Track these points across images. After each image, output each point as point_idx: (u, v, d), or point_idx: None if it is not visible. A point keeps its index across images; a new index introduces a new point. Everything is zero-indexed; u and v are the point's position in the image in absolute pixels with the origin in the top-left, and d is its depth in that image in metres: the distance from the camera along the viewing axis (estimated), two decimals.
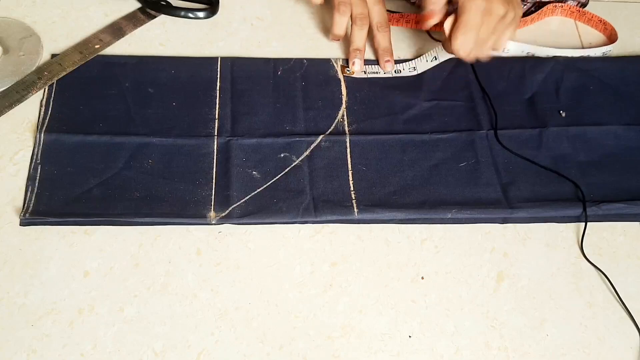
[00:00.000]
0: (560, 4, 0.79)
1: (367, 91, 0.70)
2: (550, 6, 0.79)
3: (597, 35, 0.79)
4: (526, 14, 0.79)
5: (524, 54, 0.74)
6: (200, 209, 0.60)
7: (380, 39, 0.71)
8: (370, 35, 0.72)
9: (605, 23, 0.78)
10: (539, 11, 0.78)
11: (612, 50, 0.76)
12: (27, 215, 0.58)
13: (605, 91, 0.72)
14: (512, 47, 0.73)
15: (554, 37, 0.77)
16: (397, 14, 0.77)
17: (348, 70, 0.71)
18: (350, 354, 0.54)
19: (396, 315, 0.56)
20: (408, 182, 0.63)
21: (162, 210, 0.59)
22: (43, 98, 0.66)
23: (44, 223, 0.58)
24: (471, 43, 0.64)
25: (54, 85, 0.67)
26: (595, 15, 0.79)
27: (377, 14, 0.70)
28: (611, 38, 0.78)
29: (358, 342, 0.55)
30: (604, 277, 0.59)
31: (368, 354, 0.54)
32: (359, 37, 0.71)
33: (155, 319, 0.54)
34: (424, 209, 0.61)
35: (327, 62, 0.72)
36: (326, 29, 0.75)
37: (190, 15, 0.75)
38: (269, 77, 0.70)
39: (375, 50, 0.72)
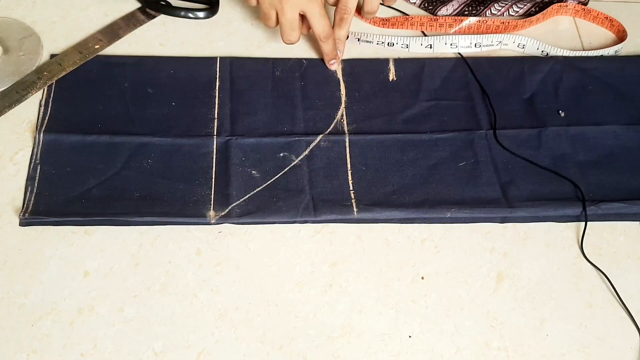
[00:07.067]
0: (564, 4, 0.79)
1: (366, 91, 0.70)
2: (555, 6, 0.79)
3: (599, 35, 0.79)
4: (528, 14, 0.79)
5: (539, 52, 0.75)
6: (199, 208, 0.60)
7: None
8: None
9: (611, 20, 0.79)
10: (544, 11, 0.78)
11: (622, 47, 0.76)
12: (26, 215, 0.58)
13: (604, 91, 0.72)
14: (529, 44, 0.74)
15: (553, 37, 0.78)
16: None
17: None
18: (350, 354, 0.54)
19: (396, 315, 0.56)
20: (407, 182, 0.63)
21: (162, 210, 0.59)
22: (42, 98, 0.66)
23: (44, 223, 0.58)
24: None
25: (54, 85, 0.67)
26: (601, 13, 0.79)
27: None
28: (619, 35, 0.78)
29: (358, 342, 0.55)
30: (604, 277, 0.59)
31: (368, 354, 0.54)
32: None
33: (155, 319, 0.54)
34: (423, 209, 0.61)
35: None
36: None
37: (190, 15, 0.75)
38: (268, 77, 0.70)
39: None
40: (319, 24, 0.68)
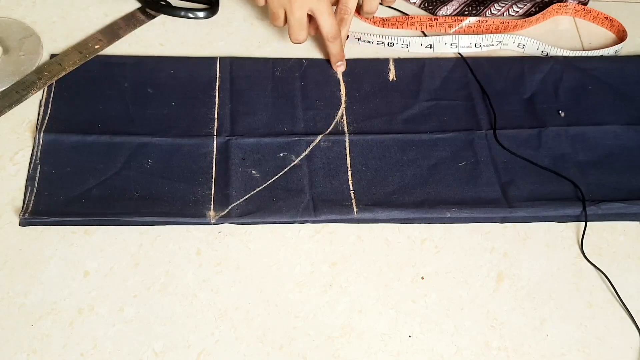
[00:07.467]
0: (564, 4, 0.79)
1: (366, 91, 0.70)
2: (555, 6, 0.79)
3: (599, 35, 0.79)
4: (528, 14, 0.79)
5: (539, 52, 0.75)
6: (199, 208, 0.60)
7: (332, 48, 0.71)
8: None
9: (611, 20, 0.79)
10: (544, 11, 0.78)
11: (622, 47, 0.76)
12: (26, 215, 0.58)
13: (604, 91, 0.72)
14: (529, 44, 0.74)
15: (553, 37, 0.78)
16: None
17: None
18: (350, 354, 0.54)
19: (396, 315, 0.56)
20: (407, 182, 0.63)
21: (162, 210, 0.59)
22: (42, 98, 0.66)
23: (44, 223, 0.58)
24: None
25: (54, 85, 0.67)
26: (601, 13, 0.79)
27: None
28: (619, 35, 0.78)
29: (358, 342, 0.55)
30: (604, 277, 0.59)
31: (368, 354, 0.54)
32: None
33: (155, 319, 0.54)
34: (423, 209, 0.61)
35: (326, 62, 0.72)
36: None
37: (190, 15, 0.75)
38: (268, 77, 0.70)
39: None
40: (327, 24, 0.68)
